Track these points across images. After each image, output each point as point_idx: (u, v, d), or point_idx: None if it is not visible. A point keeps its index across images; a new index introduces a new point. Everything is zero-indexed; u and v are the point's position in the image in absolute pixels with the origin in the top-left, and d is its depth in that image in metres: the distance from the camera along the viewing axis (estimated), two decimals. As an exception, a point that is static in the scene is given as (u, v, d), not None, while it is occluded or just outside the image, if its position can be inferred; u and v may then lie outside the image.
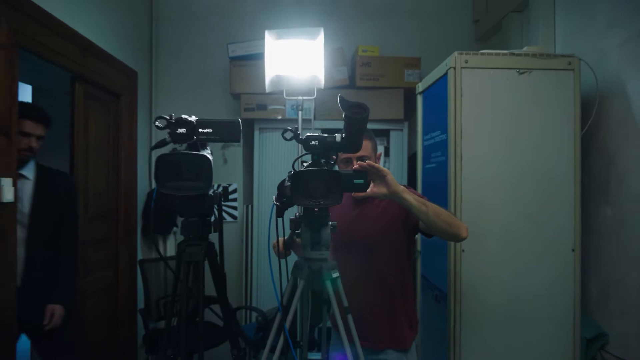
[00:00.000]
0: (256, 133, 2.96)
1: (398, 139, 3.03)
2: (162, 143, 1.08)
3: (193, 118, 1.08)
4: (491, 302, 1.86)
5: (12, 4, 1.65)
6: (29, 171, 1.88)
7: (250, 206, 2.98)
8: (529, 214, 1.88)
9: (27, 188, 1.86)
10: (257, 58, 2.84)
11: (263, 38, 2.81)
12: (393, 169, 3.03)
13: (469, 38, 3.29)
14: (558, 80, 1.90)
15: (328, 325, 1.38)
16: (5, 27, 1.62)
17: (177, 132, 1.03)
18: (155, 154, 1.15)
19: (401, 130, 3.02)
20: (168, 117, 1.06)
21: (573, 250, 1.89)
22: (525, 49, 2.03)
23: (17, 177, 1.78)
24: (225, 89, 3.10)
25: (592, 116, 1.96)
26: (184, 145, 1.12)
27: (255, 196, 2.93)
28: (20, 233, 1.79)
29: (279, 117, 2.90)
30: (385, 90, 2.96)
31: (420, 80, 2.68)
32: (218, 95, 3.19)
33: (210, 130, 1.06)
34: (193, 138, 1.06)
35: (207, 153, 1.12)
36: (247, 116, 2.92)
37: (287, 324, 1.17)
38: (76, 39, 2.13)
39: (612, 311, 1.91)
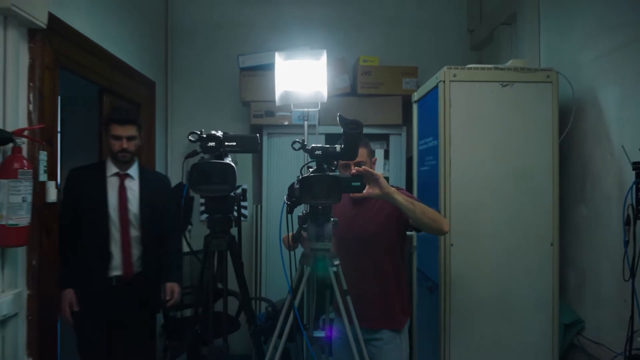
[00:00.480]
0: (265, 138, 3.20)
1: (397, 143, 3.27)
2: (194, 153, 1.33)
3: (220, 133, 1.33)
4: (477, 291, 2.09)
5: (57, 30, 1.90)
6: (134, 171, 2.10)
7: (259, 206, 3.22)
8: (511, 212, 2.11)
9: (134, 187, 2.08)
10: (265, 68, 3.09)
11: (271, 50, 3.05)
12: (392, 171, 3.26)
13: (464, 47, 3.51)
14: (538, 92, 2.13)
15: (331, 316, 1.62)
16: (50, 50, 1.88)
17: (208, 145, 1.28)
18: (180, 161, 1.40)
19: (399, 134, 3.25)
20: (199, 132, 1.30)
21: (552, 244, 2.11)
22: (510, 62, 2.26)
23: (124, 178, 2.06)
24: (235, 97, 3.35)
25: (570, 124, 2.19)
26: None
27: (264, 196, 3.17)
28: (134, 232, 2.05)
29: (286, 123, 3.14)
30: (385, 98, 3.20)
31: (418, 87, 2.92)
32: (229, 103, 3.45)
33: (234, 144, 1.30)
34: (220, 150, 1.30)
35: (229, 161, 1.36)
36: (256, 122, 3.17)
37: (296, 303, 1.41)
38: (105, 57, 2.38)
39: (587, 300, 2.14)
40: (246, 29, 3.45)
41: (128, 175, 2.09)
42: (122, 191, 2.07)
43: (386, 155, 3.31)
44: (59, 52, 1.95)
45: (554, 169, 2.12)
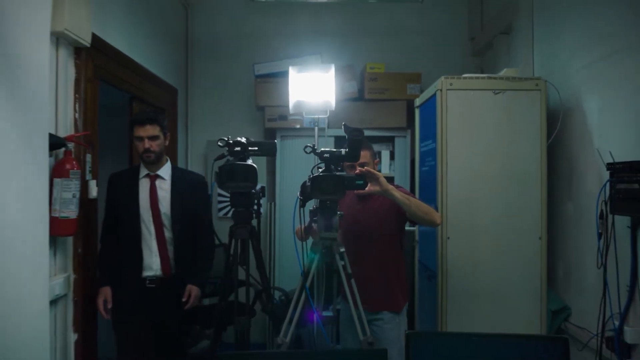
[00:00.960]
0: (278, 140, 3.46)
1: (402, 145, 3.50)
2: (222, 156, 1.58)
3: (244, 139, 1.58)
4: (471, 280, 2.31)
5: (98, 47, 2.18)
6: (165, 172, 2.16)
7: (273, 203, 3.48)
8: (503, 208, 2.33)
9: (165, 187, 2.13)
10: (278, 76, 3.35)
11: (283, 58, 3.31)
12: (398, 171, 3.49)
13: (466, 54, 3.73)
14: (528, 99, 2.35)
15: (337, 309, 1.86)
16: (92, 65, 2.15)
17: (235, 149, 1.53)
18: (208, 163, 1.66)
19: (404, 137, 3.48)
20: (227, 139, 1.55)
21: (540, 238, 2.33)
22: (504, 71, 2.49)
23: (154, 178, 2.13)
24: (250, 102, 3.61)
25: (557, 128, 2.40)
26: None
27: (277, 194, 3.43)
28: (167, 233, 2.10)
29: (298, 126, 3.40)
30: (390, 102, 3.43)
31: (421, 92, 3.14)
32: (244, 107, 3.71)
33: (256, 148, 1.56)
34: (244, 154, 1.55)
35: (250, 162, 1.62)
36: (270, 126, 3.43)
37: (308, 284, 1.66)
38: (136, 68, 2.66)
39: (573, 288, 2.35)
40: (260, 39, 3.71)
41: (158, 176, 2.14)
42: (153, 192, 2.12)
43: (392, 156, 3.54)
44: (99, 67, 2.23)
45: (542, 169, 2.33)
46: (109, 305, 2.07)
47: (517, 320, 2.31)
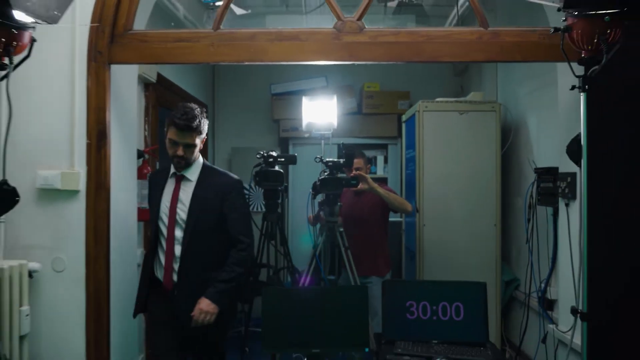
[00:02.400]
0: (290, 147, 4.23)
1: (394, 151, 4.25)
2: (258, 164, 2.34)
3: (274, 153, 2.33)
4: (442, 257, 3.05)
5: (159, 82, 2.96)
6: (192, 173, 1.97)
7: (287, 199, 4.25)
8: (467, 202, 3.06)
9: (188, 189, 1.96)
10: (292, 94, 4.11)
11: (295, 80, 4.06)
12: (390, 172, 4.25)
13: (449, 73, 4.46)
14: (486, 118, 3.08)
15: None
16: (154, 95, 2.93)
17: (269, 160, 2.29)
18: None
19: (396, 144, 4.23)
20: (263, 152, 2.31)
21: (495, 225, 3.07)
22: (471, 94, 3.23)
23: (180, 179, 1.96)
24: (267, 116, 4.37)
25: (510, 140, 3.14)
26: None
27: (291, 192, 4.19)
28: (178, 233, 1.93)
29: (307, 136, 4.15)
30: (384, 116, 4.19)
31: (410, 107, 3.88)
32: (262, 120, 4.47)
33: (283, 159, 2.31)
34: (274, 162, 2.31)
35: (278, 168, 2.38)
36: (284, 135, 4.20)
37: (317, 253, 2.42)
38: (179, 91, 3.44)
39: (521, 263, 3.08)
40: (275, 64, 4.46)
41: (184, 177, 1.96)
42: (175, 193, 1.96)
43: (385, 161, 4.30)
44: (159, 96, 3.00)
45: (497, 172, 3.07)
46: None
47: (477, 288, 3.05)
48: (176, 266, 1.93)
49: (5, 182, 1.34)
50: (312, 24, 3.41)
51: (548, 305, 2.61)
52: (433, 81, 4.32)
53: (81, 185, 1.99)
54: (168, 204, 1.97)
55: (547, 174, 2.51)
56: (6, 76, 1.35)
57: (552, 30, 1.37)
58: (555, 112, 2.38)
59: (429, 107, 3.10)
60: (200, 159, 2.03)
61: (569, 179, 2.22)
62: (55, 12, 1.42)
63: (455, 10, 3.01)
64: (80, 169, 1.99)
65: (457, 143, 3.08)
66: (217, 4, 2.75)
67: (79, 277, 1.98)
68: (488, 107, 3.09)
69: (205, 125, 1.96)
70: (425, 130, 3.10)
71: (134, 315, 2.03)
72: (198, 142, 1.95)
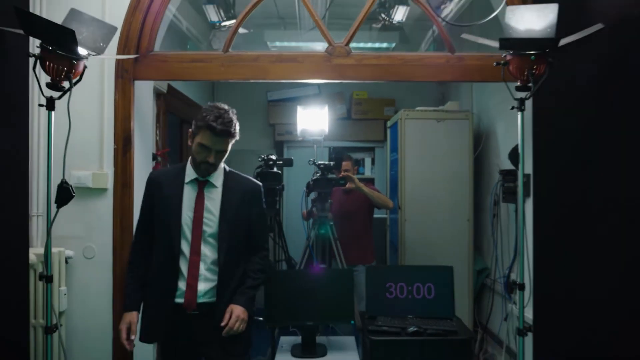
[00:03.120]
0: (285, 149, 4.60)
1: (380, 153, 4.65)
2: (259, 166, 2.71)
3: (274, 157, 2.70)
4: (421, 250, 3.45)
5: (169, 91, 3.31)
6: (217, 178, 1.81)
7: (283, 197, 4.61)
8: (443, 200, 3.46)
9: (215, 197, 1.79)
10: (287, 100, 4.49)
11: (290, 88, 4.43)
12: (377, 172, 4.65)
13: (431, 83, 4.86)
14: (459, 126, 3.49)
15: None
16: (164, 104, 3.29)
17: (269, 163, 2.66)
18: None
19: (382, 147, 4.63)
20: (264, 156, 2.68)
21: (468, 220, 3.47)
22: (448, 104, 3.63)
23: (203, 185, 1.77)
24: (264, 121, 4.75)
25: (481, 145, 3.54)
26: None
27: (285, 190, 4.55)
28: (208, 252, 1.75)
29: (301, 139, 4.53)
30: (372, 121, 4.59)
31: (395, 113, 4.28)
32: (259, 124, 4.84)
33: (281, 162, 2.68)
34: (273, 165, 2.68)
35: (276, 170, 2.75)
36: (280, 139, 4.57)
37: (310, 242, 2.80)
38: (185, 99, 3.79)
39: (491, 254, 3.49)
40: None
41: (208, 182, 1.78)
42: (200, 201, 1.75)
43: (373, 162, 4.70)
44: (168, 104, 3.36)
45: (470, 173, 3.47)
46: (133, 336, 1.74)
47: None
48: (202, 287, 1.74)
49: (65, 181, 1.69)
50: (307, 39, 3.79)
51: (511, 289, 3.01)
52: (416, 89, 4.72)
53: (109, 184, 2.34)
54: (191, 215, 1.74)
55: (509, 175, 2.92)
56: (62, 96, 1.71)
57: (495, 64, 1.77)
58: (513, 120, 2.77)
59: (410, 115, 3.50)
60: (222, 162, 1.84)
61: (525, 180, 2.62)
62: (101, 44, 1.78)
63: (430, 32, 3.41)
64: (108, 170, 2.34)
65: (435, 148, 3.48)
66: (223, 24, 3.11)
67: (107, 262, 2.33)
68: (462, 115, 3.50)
69: (238, 128, 1.81)
70: (407, 136, 3.49)
71: (149, 341, 1.82)
72: (230, 147, 1.78)
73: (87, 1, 2.24)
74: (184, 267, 1.75)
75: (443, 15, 3.21)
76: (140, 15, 2.33)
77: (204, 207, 1.78)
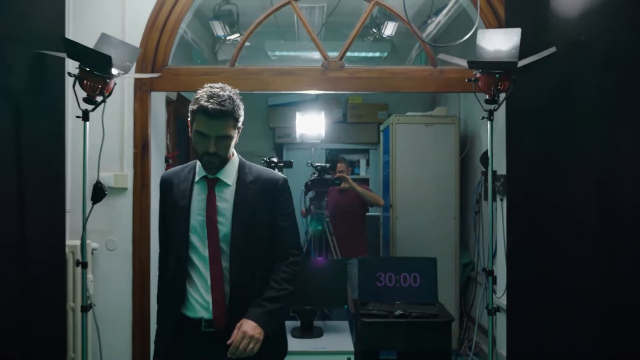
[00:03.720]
0: (285, 151, 4.91)
1: (374, 155, 4.96)
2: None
3: (275, 159, 3.00)
4: (410, 245, 3.75)
5: (178, 98, 3.61)
6: (229, 175, 1.54)
7: (281, 198, 4.93)
8: (431, 199, 3.77)
9: (227, 197, 1.53)
10: (286, 105, 4.80)
11: (289, 93, 4.71)
12: (372, 173, 4.96)
13: (423, 88, 5.18)
14: (447, 129, 3.79)
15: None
16: (173, 110, 3.58)
17: (271, 165, 2.95)
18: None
19: (376, 149, 4.93)
20: (266, 158, 2.97)
21: (455, 217, 3.78)
22: (437, 109, 3.94)
23: (213, 183, 1.52)
24: (265, 124, 5.05)
25: (467, 148, 3.85)
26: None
27: (285, 191, 4.87)
28: (224, 262, 1.50)
29: (299, 141, 4.84)
30: (366, 124, 4.89)
31: (388, 117, 4.58)
32: (260, 127, 5.14)
33: (282, 164, 2.98)
34: (275, 166, 2.98)
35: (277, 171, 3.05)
36: (279, 141, 4.88)
37: (308, 237, 3.10)
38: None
39: (471, 249, 3.80)
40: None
41: (219, 180, 1.53)
42: (211, 202, 1.51)
43: (367, 163, 5.00)
44: (177, 109, 3.66)
45: (456, 174, 3.78)
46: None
47: (441, 269, 3.74)
48: (226, 300, 1.48)
49: (99, 182, 1.99)
50: (304, 48, 4.09)
51: (494, 280, 3.32)
52: (408, 94, 5.02)
53: (129, 184, 2.64)
54: (201, 219, 1.50)
55: (487, 176, 3.22)
56: (95, 109, 2.00)
57: (467, 80, 2.07)
58: (497, 127, 3.08)
59: (401, 120, 3.80)
60: (236, 156, 1.59)
61: (502, 180, 2.93)
62: (127, 64, 2.08)
63: (418, 43, 3.71)
64: (128, 171, 2.64)
65: (424, 150, 3.79)
66: (229, 38, 3.40)
67: (127, 254, 2.62)
68: (449, 120, 3.80)
69: (241, 109, 1.52)
70: (398, 139, 3.80)
71: None
72: (234, 133, 1.50)
73: (108, 22, 2.54)
74: (196, 279, 1.51)
75: (430, 28, 3.51)
76: (156, 33, 2.62)
77: (216, 210, 1.50)
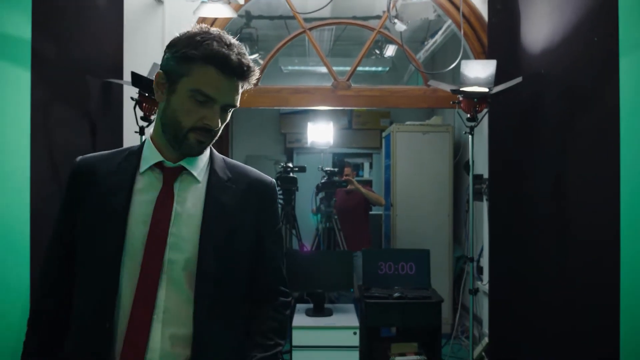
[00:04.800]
0: (295, 155, 5.41)
1: (377, 159, 5.45)
2: (279, 172, 3.49)
3: (291, 164, 3.48)
4: (409, 239, 4.24)
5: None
6: (199, 165, 1.03)
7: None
8: (427, 198, 4.25)
9: (194, 199, 1.01)
10: (297, 113, 5.29)
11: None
12: (375, 176, 5.44)
13: (422, 96, 5.66)
14: (442, 137, 4.27)
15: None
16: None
17: (287, 169, 3.44)
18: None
19: (379, 153, 5.42)
20: (283, 164, 3.46)
21: (448, 215, 4.26)
22: (433, 118, 4.42)
23: (172, 177, 1.00)
24: (276, 130, 5.55)
25: (460, 154, 4.33)
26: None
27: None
28: (164, 293, 0.95)
29: (308, 146, 5.34)
30: (370, 131, 5.38)
31: (390, 124, 5.07)
32: (271, 133, 5.64)
33: (297, 168, 3.47)
34: (290, 170, 3.46)
35: (292, 175, 3.53)
36: (290, 146, 5.37)
37: (319, 234, 3.59)
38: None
39: (463, 244, 4.27)
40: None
41: (183, 171, 1.01)
42: (164, 205, 0.98)
43: (371, 166, 5.49)
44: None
45: (450, 177, 4.26)
46: None
47: (436, 262, 4.23)
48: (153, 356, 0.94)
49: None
50: (314, 64, 4.58)
51: (480, 270, 3.80)
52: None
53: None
54: (145, 229, 0.97)
55: (478, 179, 3.70)
56: (149, 125, 2.49)
57: (452, 102, 2.55)
58: (483, 136, 3.56)
59: (401, 128, 4.29)
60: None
61: (487, 183, 3.41)
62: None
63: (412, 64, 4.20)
64: (167, 175, 3.13)
65: (421, 156, 4.27)
66: (250, 57, 3.89)
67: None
68: (444, 129, 4.29)
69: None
70: (398, 146, 4.28)
71: None
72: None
73: (152, 50, 3.03)
74: (122, 325, 0.95)
75: (425, 48, 4.00)
76: (191, 57, 3.12)
77: (170, 216, 0.98)
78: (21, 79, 1.68)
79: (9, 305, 1.55)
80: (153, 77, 1.03)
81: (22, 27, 1.67)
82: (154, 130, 1.05)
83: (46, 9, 1.80)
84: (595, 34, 1.87)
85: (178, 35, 1.00)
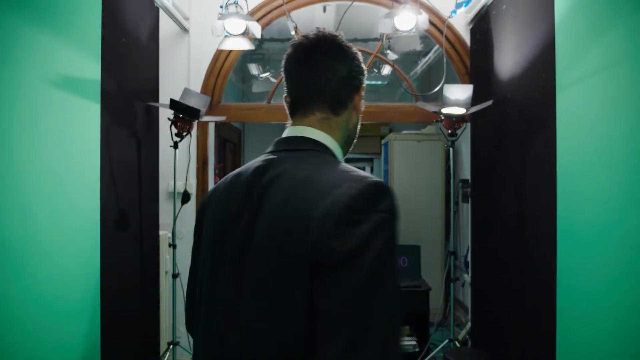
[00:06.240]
0: (301, 161, 5.94)
1: (377, 163, 5.96)
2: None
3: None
4: (405, 237, 4.74)
5: (221, 123, 4.65)
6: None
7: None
8: (421, 201, 4.76)
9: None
10: (302, 122, 5.82)
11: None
12: (375, 180, 5.96)
13: (419, 106, 6.16)
14: (434, 145, 4.78)
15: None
16: (217, 132, 4.62)
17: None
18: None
19: (379, 158, 5.93)
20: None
21: (440, 215, 4.76)
22: (427, 127, 4.93)
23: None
24: (285, 137, 6.07)
25: (451, 160, 4.83)
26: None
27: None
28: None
29: (314, 153, 5.87)
30: (370, 137, 5.90)
31: (390, 131, 5.58)
32: (280, 140, 6.17)
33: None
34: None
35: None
36: (297, 152, 5.90)
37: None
38: (232, 127, 5.13)
39: (454, 240, 4.78)
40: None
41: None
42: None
43: (372, 171, 6.00)
44: (218, 128, 4.69)
45: (441, 181, 4.77)
46: None
47: (430, 257, 4.74)
48: None
49: (186, 190, 3.01)
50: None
51: (467, 264, 4.31)
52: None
53: (193, 189, 3.66)
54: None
55: (464, 183, 4.21)
56: (182, 140, 3.03)
57: (435, 120, 3.05)
58: (468, 146, 4.06)
59: (397, 137, 4.80)
60: None
61: (469, 188, 3.91)
62: (203, 109, 3.10)
63: (405, 83, 4.72)
64: (192, 181, 3.67)
65: (416, 162, 4.78)
66: (262, 76, 4.42)
67: (191, 241, 3.65)
68: (436, 138, 4.79)
69: None
70: (395, 153, 4.79)
71: None
72: None
73: (180, 73, 3.57)
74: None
75: (422, 62, 4.51)
76: (213, 78, 3.65)
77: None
78: (92, 110, 2.21)
79: (85, 288, 2.09)
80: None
81: (93, 70, 2.20)
82: (330, 141, 0.97)
83: (109, 50, 2.33)
84: (543, 71, 2.37)
85: (342, 44, 0.98)
